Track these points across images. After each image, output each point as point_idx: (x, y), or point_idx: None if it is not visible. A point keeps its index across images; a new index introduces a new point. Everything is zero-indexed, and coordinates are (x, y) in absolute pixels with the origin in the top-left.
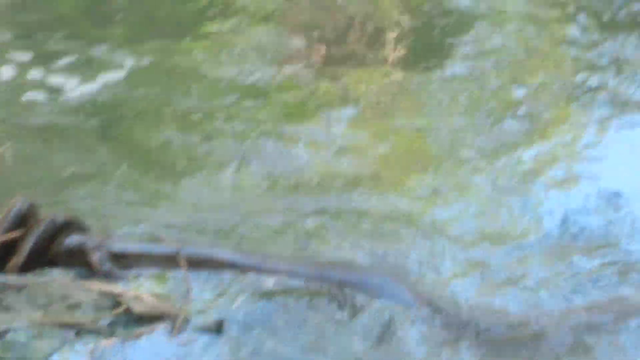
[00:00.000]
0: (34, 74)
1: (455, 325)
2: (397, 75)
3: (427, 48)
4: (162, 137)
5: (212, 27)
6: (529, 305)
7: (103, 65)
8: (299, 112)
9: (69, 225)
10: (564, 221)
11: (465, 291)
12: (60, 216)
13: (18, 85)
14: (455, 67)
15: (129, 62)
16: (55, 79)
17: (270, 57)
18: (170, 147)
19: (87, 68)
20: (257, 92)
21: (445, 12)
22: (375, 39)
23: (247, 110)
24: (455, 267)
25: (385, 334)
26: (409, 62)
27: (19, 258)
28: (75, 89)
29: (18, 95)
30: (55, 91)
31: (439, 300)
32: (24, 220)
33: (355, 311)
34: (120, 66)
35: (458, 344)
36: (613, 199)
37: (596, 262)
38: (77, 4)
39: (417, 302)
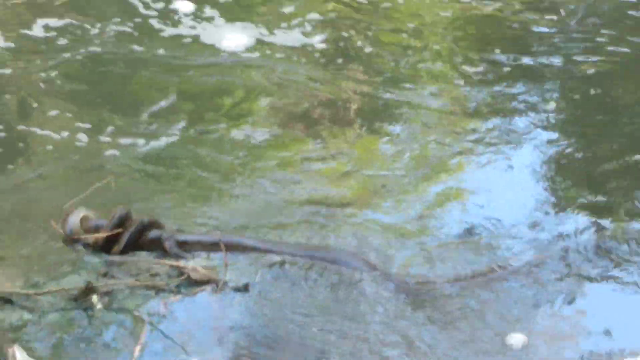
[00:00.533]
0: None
1: (392, 280)
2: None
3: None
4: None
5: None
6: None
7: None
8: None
9: (152, 224)
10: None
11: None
12: (146, 218)
13: (94, 148)
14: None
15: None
16: (124, 140)
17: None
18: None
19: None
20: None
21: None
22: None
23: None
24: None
25: (349, 287)
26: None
27: (119, 245)
28: (143, 145)
29: (98, 152)
30: (126, 147)
31: (385, 268)
32: (123, 221)
33: (331, 276)
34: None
35: (392, 291)
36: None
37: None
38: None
39: (371, 269)
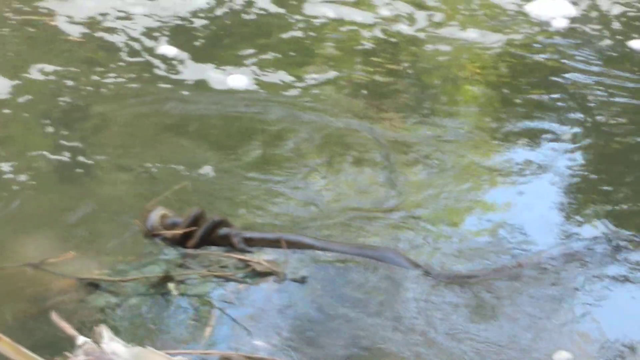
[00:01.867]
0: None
1: (433, 276)
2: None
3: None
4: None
5: None
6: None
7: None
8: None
9: (222, 223)
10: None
11: (435, 260)
12: (218, 218)
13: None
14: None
15: None
16: None
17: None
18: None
19: None
20: None
21: None
22: None
23: None
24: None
25: (392, 282)
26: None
27: (194, 240)
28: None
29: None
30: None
31: (427, 265)
32: (197, 220)
33: (376, 272)
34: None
35: (435, 284)
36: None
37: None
38: None
39: (412, 265)
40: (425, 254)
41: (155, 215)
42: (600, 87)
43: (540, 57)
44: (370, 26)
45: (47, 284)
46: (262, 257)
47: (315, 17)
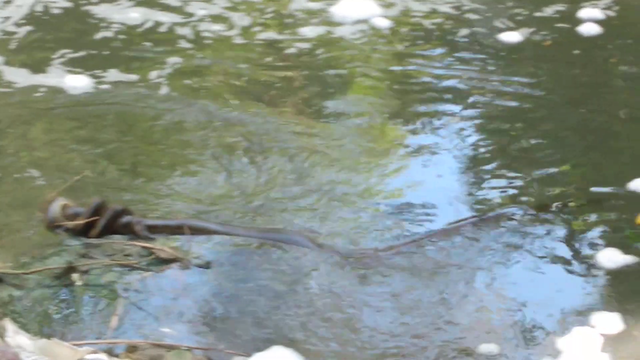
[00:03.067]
0: None
1: (333, 254)
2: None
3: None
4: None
5: None
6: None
7: None
8: None
9: (124, 211)
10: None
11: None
12: (119, 206)
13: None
14: None
15: None
16: None
17: None
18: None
19: None
20: None
21: None
22: None
23: None
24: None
25: (300, 262)
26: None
27: (96, 230)
28: None
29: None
30: None
31: (331, 244)
32: (99, 209)
33: (282, 253)
34: None
35: (335, 263)
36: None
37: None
38: None
39: (316, 246)
40: (331, 236)
41: (56, 206)
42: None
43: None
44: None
45: None
46: (166, 244)
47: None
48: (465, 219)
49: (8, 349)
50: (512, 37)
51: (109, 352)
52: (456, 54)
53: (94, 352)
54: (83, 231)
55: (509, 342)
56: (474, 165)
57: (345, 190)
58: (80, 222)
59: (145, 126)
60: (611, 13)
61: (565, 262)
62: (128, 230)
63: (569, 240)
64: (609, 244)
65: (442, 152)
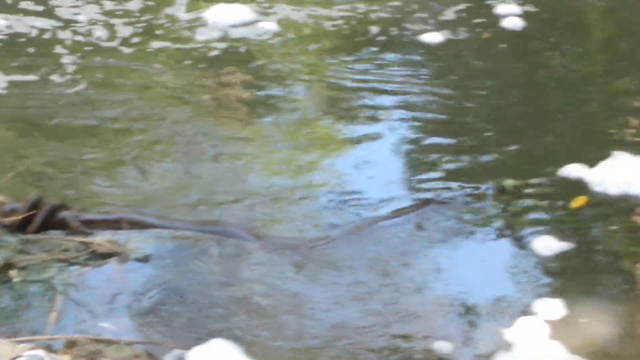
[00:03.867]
0: None
1: (270, 245)
2: None
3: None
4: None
5: None
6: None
7: None
8: None
9: (61, 207)
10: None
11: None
12: (56, 201)
13: None
14: None
15: None
16: None
17: None
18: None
19: None
20: None
21: None
22: None
23: None
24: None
25: (237, 253)
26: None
27: (33, 225)
28: None
29: None
30: None
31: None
32: (36, 204)
33: (219, 245)
34: None
35: (271, 253)
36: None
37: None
38: None
39: (253, 237)
40: (266, 226)
41: None
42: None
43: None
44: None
45: None
46: (103, 239)
47: None
48: (404, 208)
49: None
50: (433, 37)
51: (48, 348)
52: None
53: (33, 348)
54: (20, 227)
55: (456, 338)
56: (409, 154)
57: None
58: (17, 217)
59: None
60: (529, 8)
61: (504, 250)
62: (66, 226)
63: (506, 227)
64: (545, 230)
65: (377, 143)
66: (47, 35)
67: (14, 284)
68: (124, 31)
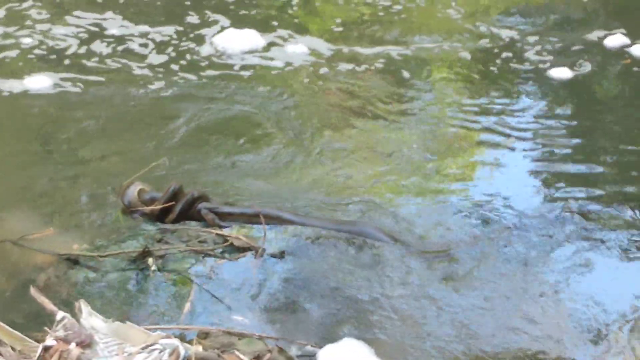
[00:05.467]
0: None
1: (408, 247)
2: None
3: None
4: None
5: None
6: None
7: None
8: None
9: (200, 197)
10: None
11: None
12: (196, 192)
13: None
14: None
15: None
16: None
17: None
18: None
19: None
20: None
21: None
22: None
23: None
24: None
25: (374, 254)
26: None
27: (172, 215)
28: None
29: None
30: None
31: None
32: (176, 194)
33: (357, 245)
34: None
35: (410, 255)
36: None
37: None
38: None
39: (390, 239)
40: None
41: (133, 191)
42: None
43: None
44: None
45: (27, 260)
46: (240, 232)
47: None
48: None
49: (82, 330)
50: (562, 72)
51: (181, 337)
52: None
53: (167, 336)
54: (159, 216)
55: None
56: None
57: None
58: (157, 207)
59: None
60: None
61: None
62: (202, 218)
63: None
64: None
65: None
66: None
67: (151, 272)
68: None
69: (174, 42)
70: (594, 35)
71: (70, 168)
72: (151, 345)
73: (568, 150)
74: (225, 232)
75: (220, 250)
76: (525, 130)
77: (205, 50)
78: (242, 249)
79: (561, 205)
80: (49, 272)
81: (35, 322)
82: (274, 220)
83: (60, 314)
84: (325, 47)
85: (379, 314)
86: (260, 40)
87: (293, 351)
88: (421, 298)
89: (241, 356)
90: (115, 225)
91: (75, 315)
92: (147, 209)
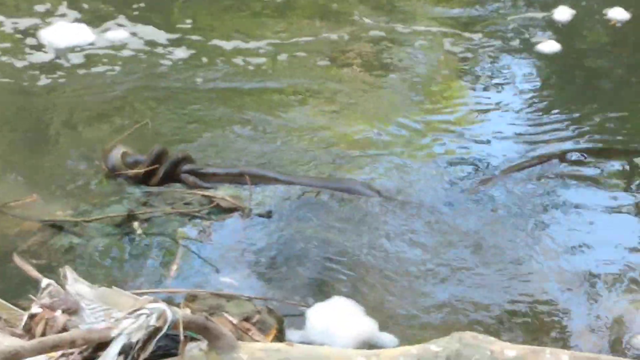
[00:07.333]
0: None
1: (389, 199)
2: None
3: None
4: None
5: None
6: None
7: None
8: None
9: (185, 159)
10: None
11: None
12: (180, 154)
13: None
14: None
15: None
16: None
17: None
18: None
19: None
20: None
21: None
22: None
23: None
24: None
25: (357, 207)
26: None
27: (156, 178)
28: None
29: None
30: None
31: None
32: (159, 157)
33: (341, 203)
34: None
35: (391, 207)
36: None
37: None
38: None
39: (375, 194)
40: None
41: (117, 154)
42: None
43: None
44: None
45: (10, 227)
46: (226, 193)
47: None
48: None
49: (68, 297)
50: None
51: (169, 301)
52: None
53: (154, 300)
54: (144, 179)
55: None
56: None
57: None
58: (141, 170)
59: None
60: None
61: None
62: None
63: None
64: None
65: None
66: None
67: (137, 235)
68: None
69: None
70: None
71: None
72: (138, 310)
73: None
74: (211, 193)
75: (207, 211)
76: None
77: None
78: (229, 210)
79: None
80: (33, 239)
81: (20, 291)
82: (259, 179)
83: (45, 281)
84: None
85: (367, 272)
86: None
87: (282, 311)
88: (409, 251)
89: (230, 318)
90: (99, 189)
91: (60, 281)
92: (132, 172)
